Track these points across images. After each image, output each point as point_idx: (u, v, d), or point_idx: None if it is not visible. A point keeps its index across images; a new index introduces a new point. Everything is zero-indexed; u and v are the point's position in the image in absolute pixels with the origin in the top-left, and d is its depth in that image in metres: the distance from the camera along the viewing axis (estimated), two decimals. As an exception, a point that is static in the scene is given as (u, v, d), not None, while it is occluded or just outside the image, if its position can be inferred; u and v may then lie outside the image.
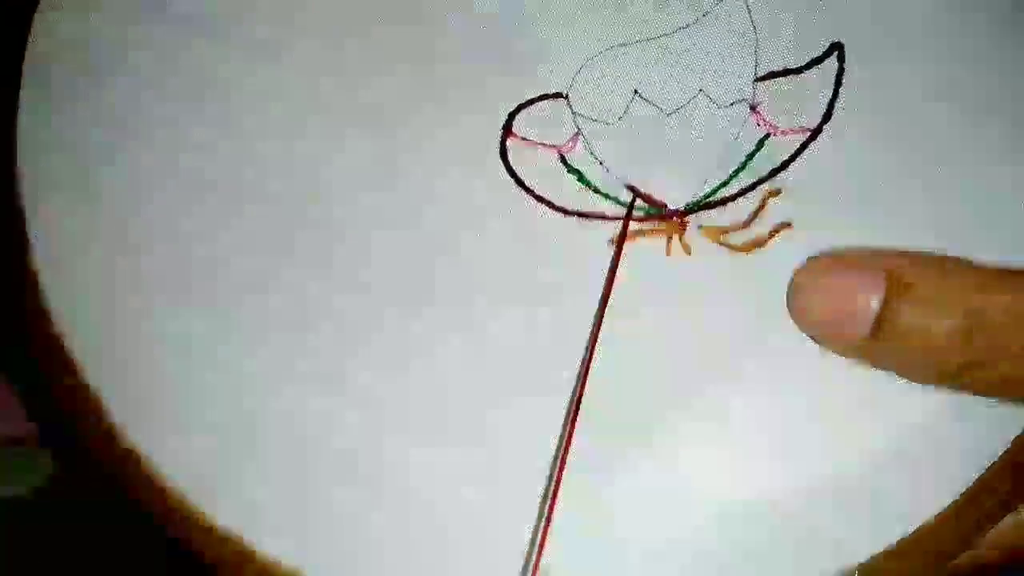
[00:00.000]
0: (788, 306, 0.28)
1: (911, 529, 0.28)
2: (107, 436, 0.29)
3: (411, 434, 0.29)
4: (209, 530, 0.28)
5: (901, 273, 0.27)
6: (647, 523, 0.28)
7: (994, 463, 0.28)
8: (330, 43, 0.31)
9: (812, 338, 0.28)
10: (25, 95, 0.32)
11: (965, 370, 0.27)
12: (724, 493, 0.28)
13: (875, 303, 0.27)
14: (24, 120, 0.31)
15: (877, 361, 0.28)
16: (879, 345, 0.27)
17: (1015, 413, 0.28)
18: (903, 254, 0.28)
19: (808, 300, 0.28)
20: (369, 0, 0.31)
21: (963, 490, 0.28)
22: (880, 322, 0.27)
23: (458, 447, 0.29)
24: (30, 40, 0.32)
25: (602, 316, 0.29)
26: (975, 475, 0.28)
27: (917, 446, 0.28)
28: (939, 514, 0.28)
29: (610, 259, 0.29)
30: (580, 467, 0.28)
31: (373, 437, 0.29)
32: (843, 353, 0.28)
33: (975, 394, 0.27)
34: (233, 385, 0.29)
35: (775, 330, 0.28)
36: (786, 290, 0.28)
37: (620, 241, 0.29)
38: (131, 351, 0.30)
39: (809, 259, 0.28)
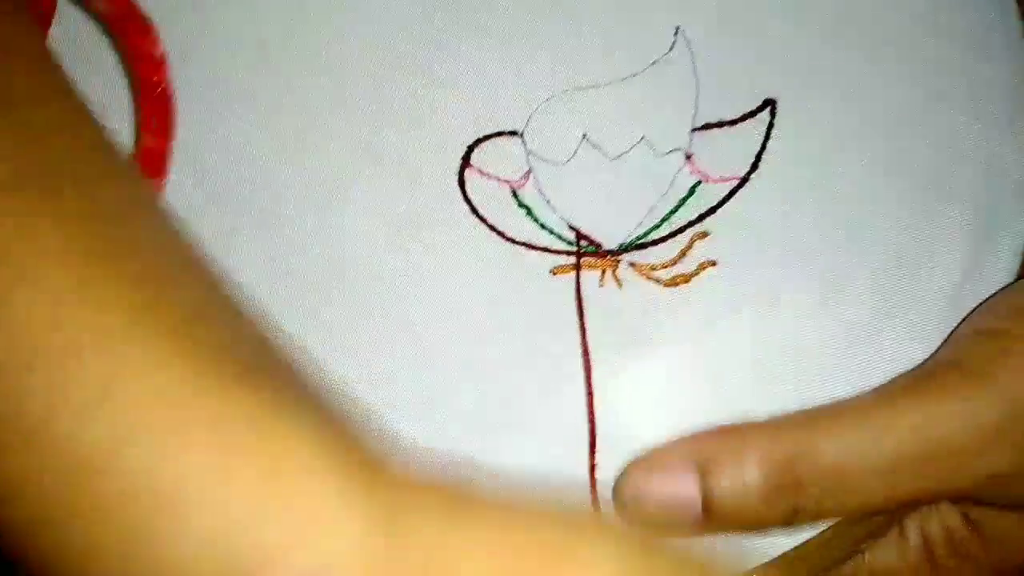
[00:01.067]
0: (623, 519, 0.30)
1: (791, 546, 0.32)
2: None
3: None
4: None
5: (705, 455, 0.29)
6: None
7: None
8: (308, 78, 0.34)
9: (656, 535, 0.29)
10: None
11: (796, 515, 0.29)
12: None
13: (694, 491, 0.29)
14: None
15: (720, 531, 0.29)
16: (714, 522, 0.29)
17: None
18: (706, 435, 0.30)
19: (634, 516, 0.30)
20: (341, 44, 0.34)
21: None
22: (704, 505, 0.29)
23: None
24: None
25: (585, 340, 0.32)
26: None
27: None
28: (817, 536, 0.32)
29: (549, 286, 0.33)
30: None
31: None
32: (692, 536, 0.30)
33: (817, 523, 0.30)
34: None
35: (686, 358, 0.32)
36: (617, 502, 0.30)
37: (577, 273, 0.33)
38: None
39: (624, 472, 0.30)
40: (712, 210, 0.33)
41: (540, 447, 0.32)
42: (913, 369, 0.31)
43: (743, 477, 0.28)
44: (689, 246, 0.33)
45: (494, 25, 0.32)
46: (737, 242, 0.33)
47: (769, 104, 0.33)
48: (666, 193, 0.33)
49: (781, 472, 0.28)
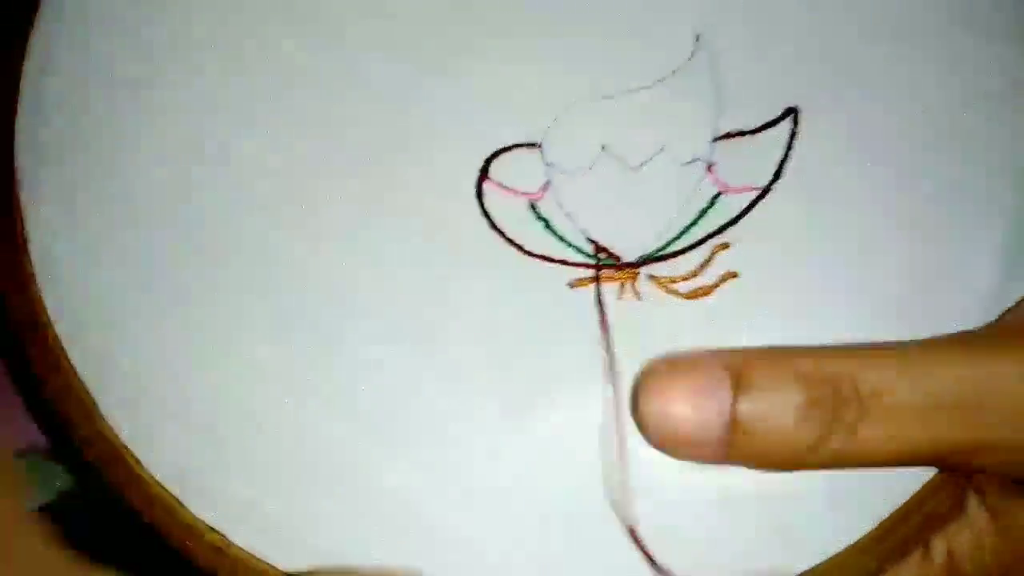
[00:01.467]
0: (638, 426, 0.29)
1: (824, 557, 0.30)
2: (97, 435, 0.33)
3: (387, 449, 0.32)
4: (188, 525, 0.32)
5: (737, 366, 0.28)
6: None
7: (908, 499, 0.31)
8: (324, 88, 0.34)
9: (668, 453, 0.29)
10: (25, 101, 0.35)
11: (822, 444, 0.28)
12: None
13: (724, 401, 0.27)
14: (23, 121, 0.35)
15: (738, 460, 0.28)
16: (736, 444, 0.28)
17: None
18: (734, 349, 0.29)
19: (654, 420, 0.28)
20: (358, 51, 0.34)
21: (878, 522, 0.30)
22: (731, 421, 0.27)
23: (431, 464, 0.32)
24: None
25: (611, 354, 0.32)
26: (890, 509, 0.31)
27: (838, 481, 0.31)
28: (854, 544, 0.30)
29: (567, 300, 0.33)
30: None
31: (362, 452, 0.32)
32: (701, 461, 0.29)
33: (843, 466, 0.29)
34: (223, 385, 0.33)
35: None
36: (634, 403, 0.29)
37: (598, 287, 0.33)
38: (123, 349, 0.33)
39: (644, 373, 0.29)
40: (733, 221, 0.32)
41: (567, 467, 0.31)
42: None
43: (781, 392, 0.27)
44: (710, 258, 0.32)
45: (512, 34, 0.32)
46: (759, 253, 0.32)
47: (791, 113, 0.33)
48: (687, 204, 0.32)
49: (822, 389, 0.27)
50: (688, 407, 0.28)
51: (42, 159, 0.34)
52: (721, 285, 0.32)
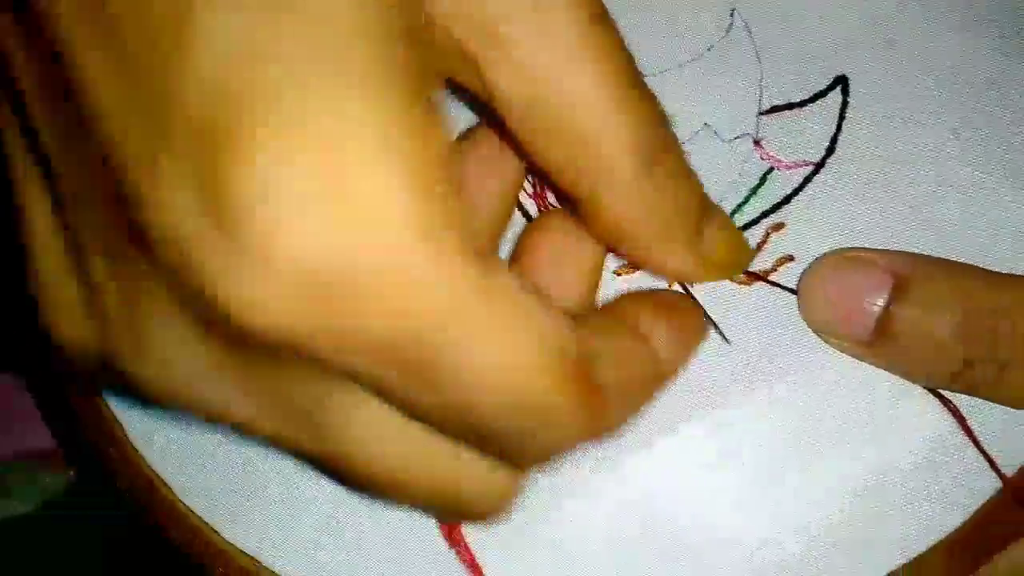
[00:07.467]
0: (799, 304, 0.29)
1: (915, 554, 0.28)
2: (128, 462, 0.30)
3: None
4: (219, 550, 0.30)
5: (904, 273, 0.27)
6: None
7: (995, 496, 0.28)
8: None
9: (819, 335, 0.28)
10: None
11: (966, 370, 0.27)
12: (730, 524, 0.29)
13: (879, 303, 0.27)
14: None
15: (881, 360, 0.28)
16: (883, 344, 0.27)
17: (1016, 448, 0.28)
18: (907, 256, 0.28)
19: (814, 300, 0.28)
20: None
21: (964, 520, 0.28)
22: (883, 322, 0.27)
23: None
24: None
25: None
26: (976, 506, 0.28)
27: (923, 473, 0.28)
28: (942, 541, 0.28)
29: (615, 288, 0.30)
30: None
31: None
32: (849, 352, 0.28)
33: (977, 395, 0.28)
34: None
35: (778, 360, 0.29)
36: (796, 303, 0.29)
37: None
38: None
39: (817, 260, 0.29)
40: (787, 198, 0.30)
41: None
42: None
43: (940, 308, 0.27)
44: (764, 239, 0.30)
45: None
46: (816, 233, 0.29)
47: (840, 82, 0.30)
48: (735, 182, 0.30)
49: (980, 319, 0.27)
50: (845, 297, 0.28)
51: None
52: (778, 269, 0.29)
